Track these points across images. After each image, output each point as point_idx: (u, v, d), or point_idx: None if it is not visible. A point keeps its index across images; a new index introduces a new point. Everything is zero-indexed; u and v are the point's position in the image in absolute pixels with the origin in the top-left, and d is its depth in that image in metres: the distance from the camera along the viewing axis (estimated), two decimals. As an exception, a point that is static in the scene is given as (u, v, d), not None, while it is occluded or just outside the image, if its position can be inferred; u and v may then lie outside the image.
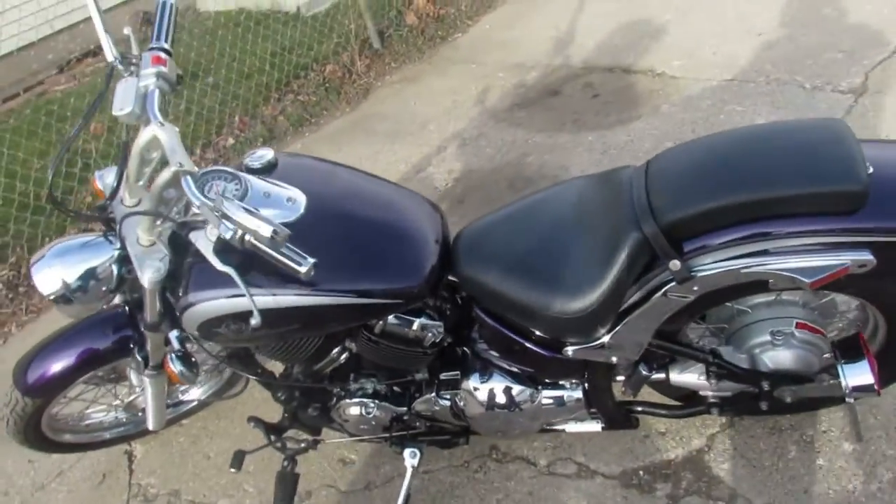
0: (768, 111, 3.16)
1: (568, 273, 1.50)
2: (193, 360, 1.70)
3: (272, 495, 1.86)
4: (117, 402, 2.18)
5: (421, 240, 1.63)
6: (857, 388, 1.46)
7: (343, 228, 1.57)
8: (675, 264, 1.40)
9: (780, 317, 1.64)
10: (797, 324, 1.62)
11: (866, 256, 1.33)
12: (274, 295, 1.47)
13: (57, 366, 1.86)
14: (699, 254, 1.41)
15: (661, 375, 1.72)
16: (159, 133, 1.49)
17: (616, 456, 1.98)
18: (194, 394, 2.35)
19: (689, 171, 1.45)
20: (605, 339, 1.55)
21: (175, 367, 1.64)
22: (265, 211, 1.49)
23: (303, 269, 1.30)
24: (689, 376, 1.71)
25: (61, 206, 1.52)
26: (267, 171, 1.61)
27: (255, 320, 1.38)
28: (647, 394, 1.92)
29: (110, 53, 1.58)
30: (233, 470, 1.87)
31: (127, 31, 1.67)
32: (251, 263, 1.40)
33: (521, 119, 3.64)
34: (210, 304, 1.49)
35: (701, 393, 1.76)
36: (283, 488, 1.89)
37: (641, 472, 1.93)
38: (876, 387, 1.44)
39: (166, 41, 1.59)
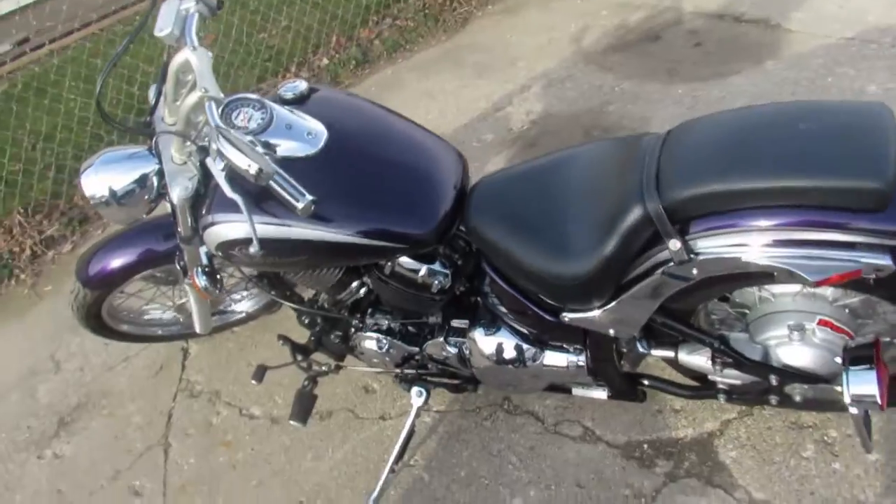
0: (885, 78, 2.85)
1: (569, 239, 1.46)
2: (219, 276, 1.80)
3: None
4: (170, 303, 2.35)
5: (434, 187, 1.62)
6: (857, 398, 1.35)
7: (357, 167, 1.59)
8: (675, 244, 1.33)
9: (804, 310, 1.53)
10: (820, 320, 1.51)
11: (885, 262, 1.21)
12: (279, 226, 1.52)
13: (114, 263, 2.02)
14: (701, 236, 1.32)
15: (667, 353, 1.66)
16: (191, 57, 1.55)
17: (624, 426, 1.94)
18: (244, 305, 2.49)
19: (705, 147, 1.35)
20: (603, 310, 1.51)
21: (200, 281, 1.75)
22: (284, 142, 1.54)
23: (299, 205, 1.35)
24: (696, 359, 1.64)
25: (108, 118, 1.61)
26: (298, 102, 1.64)
27: (253, 248, 1.43)
28: (661, 369, 1.87)
29: (153, -29, 1.63)
30: (254, 382, 1.98)
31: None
32: (263, 193, 1.44)
33: (613, 63, 3.47)
34: (224, 226, 1.56)
35: (710, 377, 1.69)
36: (299, 405, 1.99)
37: (646, 446, 1.89)
38: (879, 400, 1.33)
39: (207, -36, 1.62)
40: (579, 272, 1.44)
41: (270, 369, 2.00)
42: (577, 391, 1.86)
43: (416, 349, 1.89)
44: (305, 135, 1.56)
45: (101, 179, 1.71)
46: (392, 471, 1.94)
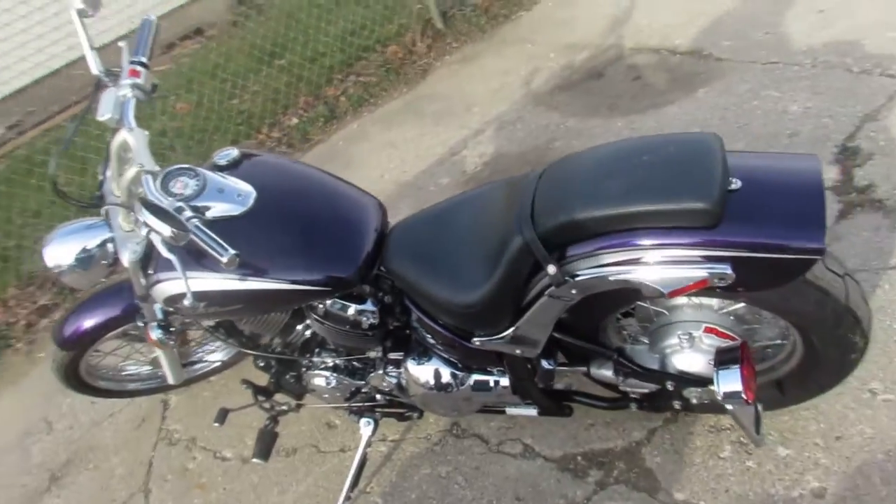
0: (805, 97, 3.04)
1: (467, 271, 1.64)
2: (172, 329, 1.98)
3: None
4: (144, 358, 2.53)
5: (353, 235, 1.80)
6: (727, 395, 1.50)
7: (283, 222, 1.77)
8: (552, 268, 1.50)
9: (691, 320, 1.69)
10: (706, 328, 1.67)
11: (725, 270, 1.38)
12: (214, 279, 1.70)
13: (84, 324, 2.20)
14: (574, 260, 1.49)
15: (576, 368, 1.82)
16: (128, 137, 1.76)
17: (560, 440, 2.09)
18: (217, 355, 2.66)
19: (570, 182, 1.53)
20: (507, 332, 1.67)
21: (154, 334, 1.93)
22: (217, 204, 1.73)
23: (224, 259, 1.52)
24: (603, 372, 1.79)
25: (62, 194, 1.81)
26: (232, 167, 1.84)
27: (188, 301, 1.61)
28: (584, 383, 2.02)
29: (95, 67, 1.85)
30: (216, 424, 2.15)
31: (122, 44, 1.94)
32: (198, 251, 1.62)
33: (559, 102, 3.68)
34: (167, 283, 1.75)
35: (620, 388, 1.84)
36: (261, 443, 2.15)
37: (579, 458, 2.03)
38: (744, 395, 1.48)
39: (144, 55, 1.85)
40: (476, 301, 1.61)
41: (232, 411, 2.18)
42: (510, 410, 2.01)
43: (362, 382, 2.06)
44: (236, 196, 1.75)
45: (60, 250, 1.90)
46: (348, 498, 2.09)
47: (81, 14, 1.80)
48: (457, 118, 3.91)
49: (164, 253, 1.63)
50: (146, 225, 1.50)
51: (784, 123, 2.94)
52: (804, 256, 1.35)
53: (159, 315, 1.97)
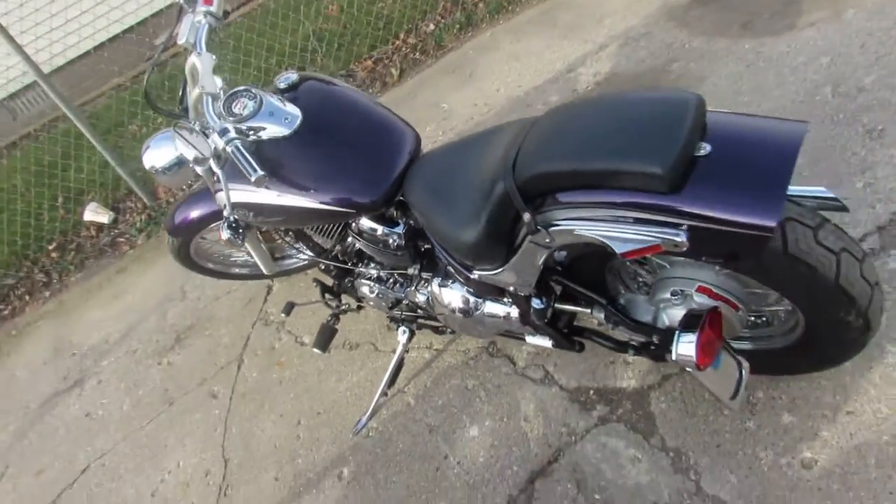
0: (969, 25, 2.60)
1: (465, 210, 1.72)
2: (241, 230, 2.27)
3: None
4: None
5: (381, 163, 1.94)
6: (681, 357, 1.49)
7: (319, 147, 1.95)
8: (526, 216, 1.55)
9: (687, 277, 1.67)
10: (699, 287, 1.64)
11: (678, 238, 1.35)
12: (254, 192, 1.94)
13: (189, 215, 2.57)
14: (548, 210, 1.53)
15: (571, 308, 1.86)
16: (196, 61, 1.99)
17: (579, 373, 2.16)
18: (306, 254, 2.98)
19: (550, 134, 1.54)
20: (500, 270, 1.75)
21: (224, 233, 2.23)
22: (267, 124, 1.93)
23: (252, 178, 1.74)
24: (597, 316, 1.82)
25: (154, 107, 2.12)
26: (290, 90, 2.03)
27: (226, 210, 1.87)
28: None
29: (178, -7, 2.08)
30: (283, 315, 2.46)
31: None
32: None
33: (693, 17, 3.43)
34: (225, 192, 2.02)
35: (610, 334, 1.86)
36: (321, 335, 2.44)
37: (591, 392, 2.10)
38: (697, 361, 1.46)
39: (218, -17, 2.04)
40: (469, 238, 1.70)
41: (298, 305, 2.47)
42: (528, 339, 2.10)
43: (402, 295, 2.24)
44: (283, 119, 1.94)
45: (154, 154, 2.22)
46: (384, 394, 2.34)
47: None
48: (585, 31, 3.78)
49: (214, 167, 1.88)
50: (191, 145, 1.75)
51: (930, 56, 2.56)
52: (755, 233, 1.28)
53: (230, 217, 2.25)
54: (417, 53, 4.33)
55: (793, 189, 1.57)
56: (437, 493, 2.06)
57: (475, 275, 1.83)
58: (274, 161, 1.92)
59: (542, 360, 2.25)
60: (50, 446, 2.91)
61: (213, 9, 2.03)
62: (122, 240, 4.01)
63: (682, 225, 1.35)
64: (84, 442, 2.84)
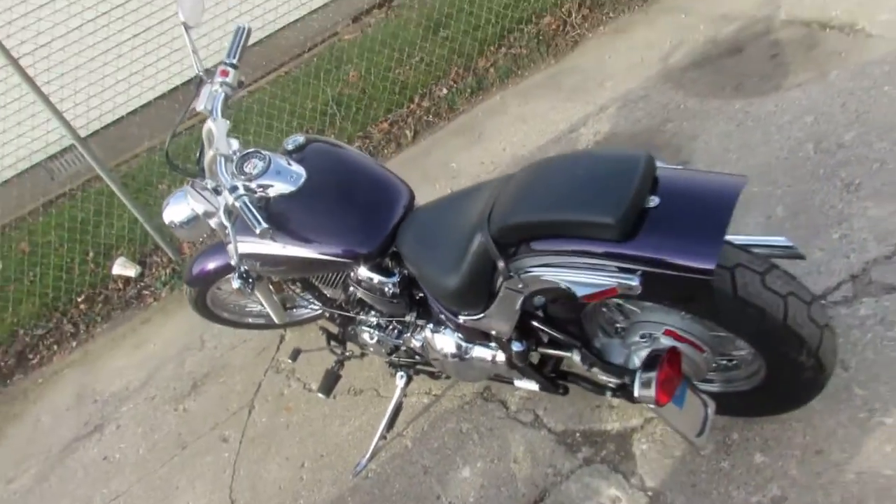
0: (945, 86, 2.72)
1: (449, 258, 1.86)
2: (250, 279, 2.43)
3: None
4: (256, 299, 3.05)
5: (376, 217, 2.10)
6: (641, 395, 1.59)
7: (321, 203, 2.12)
8: (500, 264, 1.69)
9: (655, 321, 1.78)
10: (665, 330, 1.75)
11: (632, 282, 1.48)
12: (260, 244, 2.11)
13: (205, 267, 2.74)
14: (519, 258, 1.67)
15: (551, 352, 1.97)
16: (212, 125, 2.19)
17: (567, 416, 2.26)
18: (317, 304, 3.13)
19: (520, 189, 1.69)
20: (481, 315, 1.88)
21: (235, 283, 2.39)
22: (275, 182, 2.11)
23: (257, 231, 1.90)
24: (575, 359, 1.93)
25: (172, 164, 2.31)
26: (298, 151, 2.22)
27: (233, 259, 2.03)
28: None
29: (198, 68, 2.29)
30: (289, 360, 2.61)
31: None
32: None
33: (689, 80, 3.60)
34: (238, 244, 2.19)
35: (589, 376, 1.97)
36: (326, 381, 2.58)
37: (578, 435, 2.19)
38: (657, 397, 1.56)
39: (234, 58, 2.25)
40: (453, 285, 1.84)
41: (305, 352, 2.61)
42: (517, 382, 2.21)
43: (399, 342, 2.37)
44: (290, 177, 2.12)
45: (173, 210, 2.42)
46: (383, 437, 2.45)
47: (186, 26, 2.24)
48: (588, 93, 3.97)
49: (224, 221, 2.05)
50: (205, 200, 1.93)
51: (907, 114, 2.68)
52: (695, 276, 1.40)
53: (240, 268, 2.42)
54: (431, 116, 4.56)
55: (755, 239, 1.71)
56: (428, 532, 2.15)
57: (461, 320, 1.96)
58: (280, 215, 2.09)
59: (533, 405, 2.35)
60: (69, 489, 3.04)
61: (228, 80, 2.24)
62: (147, 292, 4.21)
63: (636, 270, 1.48)
64: (101, 484, 2.97)
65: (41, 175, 5.53)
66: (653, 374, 1.58)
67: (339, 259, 2.09)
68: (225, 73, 2.24)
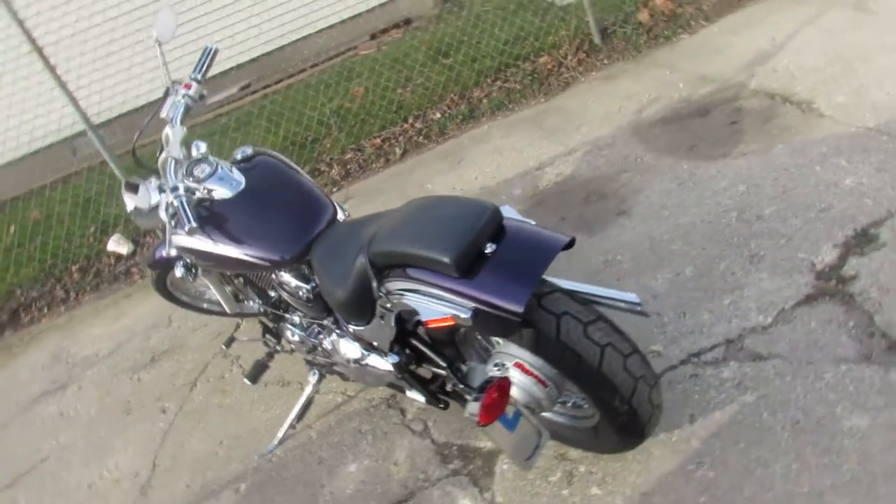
0: (867, 172, 2.88)
1: (340, 271, 2.10)
2: (192, 270, 2.69)
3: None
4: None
5: (297, 228, 2.34)
6: (469, 414, 1.80)
7: (252, 210, 2.37)
8: (374, 283, 1.92)
9: (509, 353, 1.99)
10: (515, 362, 1.96)
11: (464, 315, 1.70)
12: (193, 240, 2.37)
13: (162, 253, 3.01)
14: (389, 280, 1.90)
15: (436, 370, 2.19)
16: (170, 131, 2.46)
17: (450, 429, 2.47)
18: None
19: (396, 220, 1.93)
20: (364, 327, 2.12)
21: (178, 271, 2.65)
22: (217, 187, 2.37)
23: (186, 228, 2.16)
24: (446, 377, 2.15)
25: (139, 162, 2.59)
26: (245, 161, 2.48)
27: (164, 250, 2.31)
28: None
29: (166, 80, 2.56)
30: (223, 347, 2.87)
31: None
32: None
33: (653, 135, 3.79)
34: (176, 236, 2.46)
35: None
36: (254, 369, 2.82)
37: (454, 447, 2.41)
38: (479, 418, 1.76)
39: (199, 73, 2.50)
40: (341, 297, 2.08)
41: (237, 341, 2.87)
42: (407, 392, 2.43)
43: (317, 342, 2.61)
44: (230, 184, 2.38)
45: (130, 199, 2.68)
46: (292, 426, 2.69)
47: (158, 41, 2.50)
48: (564, 135, 4.18)
49: (162, 215, 2.33)
50: (146, 196, 2.21)
51: (825, 196, 2.84)
52: (508, 316, 1.62)
53: (185, 258, 2.69)
54: (421, 137, 4.81)
55: (608, 292, 1.92)
56: (307, 516, 2.38)
57: (350, 329, 2.20)
58: (216, 216, 2.35)
59: (426, 416, 2.57)
60: (25, 437, 3.35)
61: (191, 93, 2.49)
62: (135, 270, 4.53)
63: (470, 305, 1.70)
64: (51, 437, 3.27)
65: (65, 151, 5.92)
66: (480, 398, 1.79)
67: (259, 261, 2.34)
68: (188, 87, 2.51)
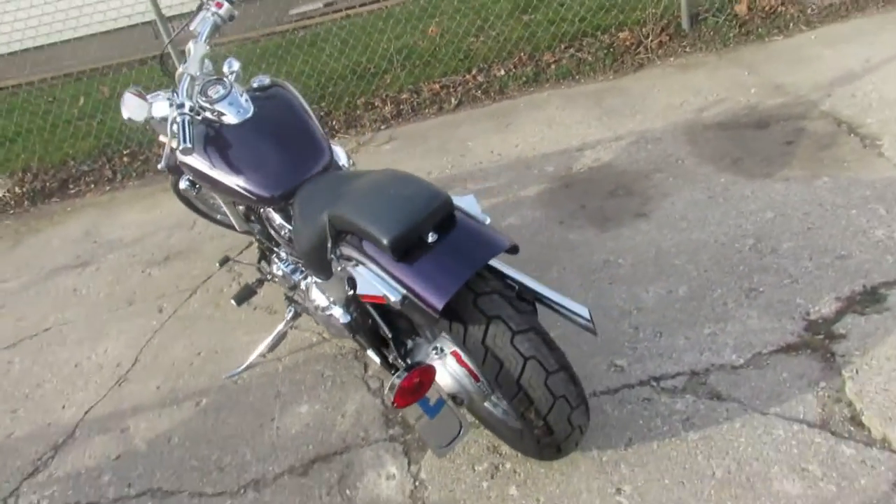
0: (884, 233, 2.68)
1: (309, 223, 2.12)
2: (195, 184, 2.75)
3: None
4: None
5: (290, 168, 2.36)
6: (386, 396, 1.82)
7: (252, 141, 2.40)
8: (329, 245, 1.94)
9: (451, 340, 1.99)
10: (453, 351, 1.96)
11: (394, 297, 1.70)
12: (195, 160, 2.43)
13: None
14: (342, 244, 1.91)
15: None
16: (192, 46, 2.50)
17: (402, 395, 2.50)
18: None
19: (359, 186, 1.92)
20: (323, 280, 2.15)
21: (181, 183, 2.73)
22: (226, 111, 2.41)
23: (179, 147, 2.22)
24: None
25: (165, 69, 2.65)
26: (259, 90, 2.51)
27: (162, 162, 2.37)
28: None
29: (200, -2, 2.59)
30: (217, 265, 2.97)
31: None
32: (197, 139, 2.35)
33: (703, 139, 3.62)
34: (168, 150, 2.52)
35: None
36: (242, 291, 2.90)
37: (400, 414, 2.44)
38: (394, 400, 1.77)
39: (233, -7, 2.53)
40: (304, 247, 2.11)
41: (231, 260, 2.97)
42: (367, 352, 2.47)
43: (296, 282, 2.67)
44: (238, 111, 2.42)
45: (125, 109, 2.72)
46: (262, 356, 2.78)
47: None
48: (617, 119, 4.03)
49: (168, 127, 2.38)
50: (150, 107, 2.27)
51: (849, 243, 2.67)
52: (428, 310, 1.61)
53: (188, 174, 2.76)
54: (479, 91, 4.72)
55: (561, 299, 1.88)
56: (248, 442, 2.48)
57: (311, 280, 2.23)
58: (216, 140, 2.39)
59: (385, 376, 2.61)
60: (37, 303, 3.58)
61: (221, 12, 2.52)
62: (179, 166, 4.68)
63: (402, 289, 1.70)
64: (59, 309, 3.49)
65: (147, 32, 6.09)
66: (398, 380, 1.80)
67: (245, 194, 2.37)
68: (219, 6, 2.53)
